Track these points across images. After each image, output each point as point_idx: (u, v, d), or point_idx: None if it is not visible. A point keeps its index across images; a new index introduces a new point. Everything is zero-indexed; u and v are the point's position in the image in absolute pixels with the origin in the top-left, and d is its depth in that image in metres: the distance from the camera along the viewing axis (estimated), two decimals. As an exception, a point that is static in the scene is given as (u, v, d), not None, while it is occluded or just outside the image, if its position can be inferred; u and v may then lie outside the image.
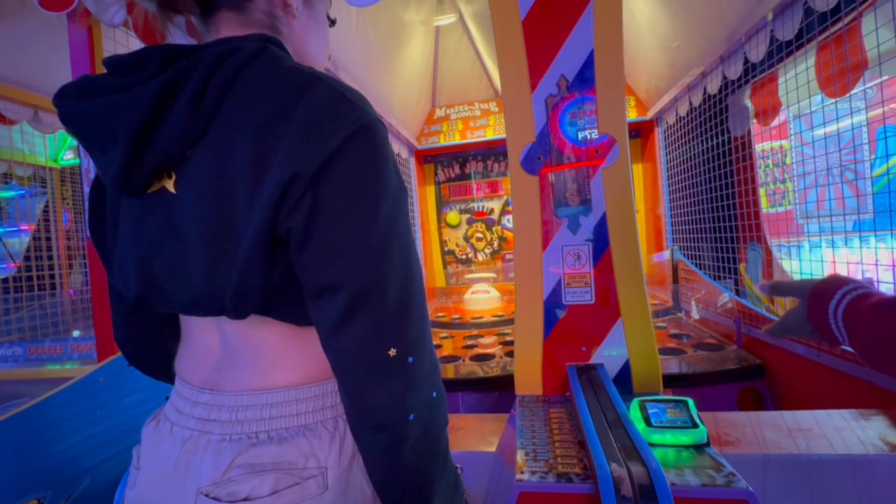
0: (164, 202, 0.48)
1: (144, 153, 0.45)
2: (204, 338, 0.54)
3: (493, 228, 3.77)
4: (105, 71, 0.49)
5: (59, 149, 2.93)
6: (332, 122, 0.43)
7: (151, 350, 0.64)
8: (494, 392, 1.79)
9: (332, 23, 0.67)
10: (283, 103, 0.43)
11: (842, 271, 1.40)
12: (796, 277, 1.76)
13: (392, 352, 0.44)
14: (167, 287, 0.50)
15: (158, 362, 0.65)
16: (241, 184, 0.43)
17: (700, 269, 2.38)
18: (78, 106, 0.47)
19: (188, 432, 0.49)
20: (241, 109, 0.45)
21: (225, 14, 0.55)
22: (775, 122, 1.84)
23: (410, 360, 0.45)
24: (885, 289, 1.25)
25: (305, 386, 0.50)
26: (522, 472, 0.72)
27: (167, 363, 0.63)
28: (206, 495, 0.45)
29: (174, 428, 0.51)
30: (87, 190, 1.27)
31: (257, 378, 0.50)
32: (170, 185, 0.48)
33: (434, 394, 0.48)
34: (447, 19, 2.65)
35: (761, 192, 2.08)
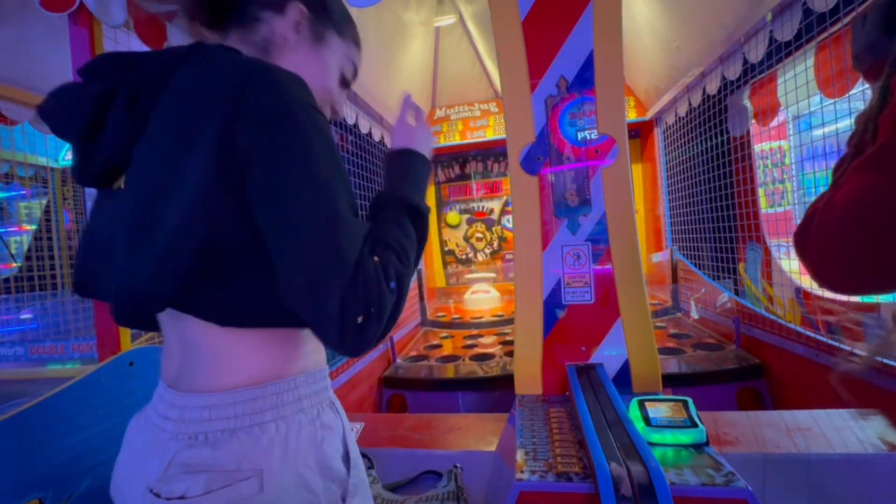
0: (117, 198, 0.52)
1: (94, 151, 0.51)
2: (170, 335, 0.56)
3: (493, 228, 3.77)
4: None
5: (60, 149, 2.93)
6: (236, 79, 0.46)
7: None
8: (494, 392, 1.79)
9: (347, 83, 0.68)
10: (206, 82, 0.46)
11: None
12: (795, 277, 1.77)
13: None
14: (97, 276, 0.54)
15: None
16: (164, 164, 0.46)
17: (699, 269, 2.39)
18: (50, 103, 0.54)
19: (152, 426, 0.53)
20: (169, 100, 0.48)
21: (232, 33, 0.58)
22: (774, 123, 1.85)
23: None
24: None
25: (245, 388, 0.50)
26: (522, 472, 0.72)
27: None
28: (150, 490, 0.47)
29: (147, 421, 0.54)
30: (88, 190, 1.27)
31: (203, 379, 0.51)
32: (122, 182, 0.52)
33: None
34: (447, 20, 2.65)
35: (760, 192, 2.09)
